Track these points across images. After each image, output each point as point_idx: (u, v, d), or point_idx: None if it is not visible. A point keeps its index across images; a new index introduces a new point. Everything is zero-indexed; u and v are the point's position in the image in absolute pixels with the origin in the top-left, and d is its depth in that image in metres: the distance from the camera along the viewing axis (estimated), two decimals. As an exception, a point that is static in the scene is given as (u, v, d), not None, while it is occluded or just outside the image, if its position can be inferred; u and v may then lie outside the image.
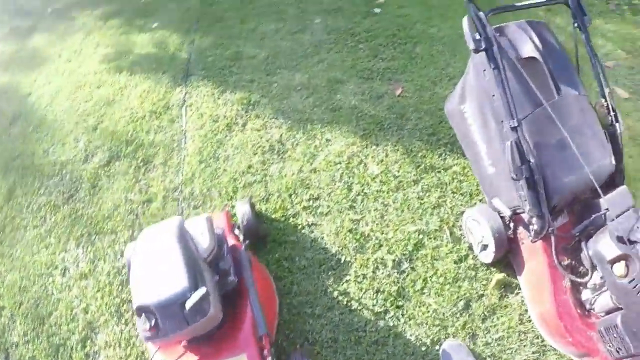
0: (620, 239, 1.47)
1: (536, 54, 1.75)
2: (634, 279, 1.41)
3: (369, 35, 3.17)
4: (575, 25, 1.86)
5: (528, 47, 1.76)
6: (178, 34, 3.67)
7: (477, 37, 1.67)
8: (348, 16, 3.37)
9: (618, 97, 2.96)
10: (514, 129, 1.62)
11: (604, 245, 1.52)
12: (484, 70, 1.72)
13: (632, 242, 1.45)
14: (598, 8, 3.89)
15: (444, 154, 2.42)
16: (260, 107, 2.84)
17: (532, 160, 1.61)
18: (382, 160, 2.44)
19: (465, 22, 1.68)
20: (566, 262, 1.72)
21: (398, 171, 2.38)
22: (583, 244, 1.63)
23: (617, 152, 1.79)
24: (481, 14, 1.70)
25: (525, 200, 1.65)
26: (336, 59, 3.03)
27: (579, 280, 1.66)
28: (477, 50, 1.67)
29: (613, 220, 1.57)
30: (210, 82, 3.08)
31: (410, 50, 3.05)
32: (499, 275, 1.96)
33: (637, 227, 1.49)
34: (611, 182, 1.78)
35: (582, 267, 1.69)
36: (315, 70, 2.99)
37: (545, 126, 1.64)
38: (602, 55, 3.35)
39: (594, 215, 1.63)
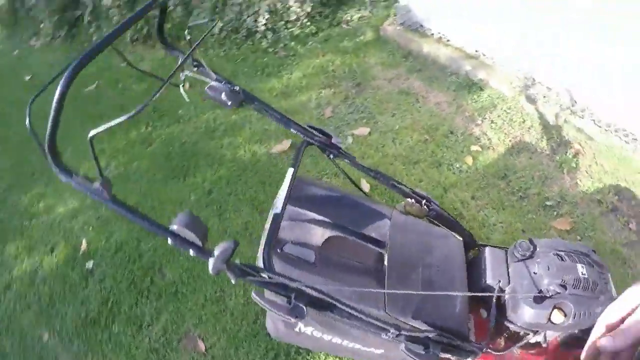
0: (537, 299, 1.37)
1: (329, 232, 1.45)
2: (575, 314, 1.35)
3: (110, 312, 2.51)
4: (331, 156, 1.57)
5: (317, 233, 1.45)
6: None
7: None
8: (70, 299, 2.61)
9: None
10: (398, 335, 1.32)
11: (530, 315, 1.39)
12: None
13: (544, 291, 1.37)
14: (269, 70, 3.88)
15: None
16: None
17: (430, 335, 1.36)
18: None
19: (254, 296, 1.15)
20: (503, 344, 1.57)
21: None
22: (505, 325, 1.48)
23: (451, 222, 1.71)
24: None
25: None
26: (107, 372, 2.33)
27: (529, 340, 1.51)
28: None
29: (509, 284, 1.47)
30: None
31: (164, 285, 2.52)
32: None
33: (535, 273, 1.42)
34: (467, 245, 1.70)
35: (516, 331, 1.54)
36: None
37: (404, 293, 1.40)
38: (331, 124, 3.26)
39: (494, 299, 1.46)
